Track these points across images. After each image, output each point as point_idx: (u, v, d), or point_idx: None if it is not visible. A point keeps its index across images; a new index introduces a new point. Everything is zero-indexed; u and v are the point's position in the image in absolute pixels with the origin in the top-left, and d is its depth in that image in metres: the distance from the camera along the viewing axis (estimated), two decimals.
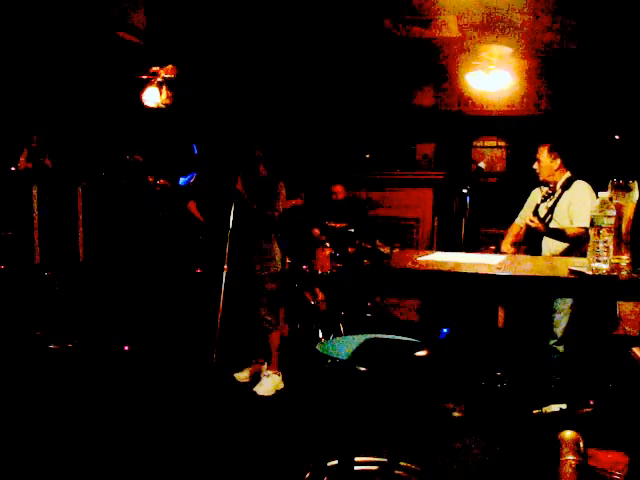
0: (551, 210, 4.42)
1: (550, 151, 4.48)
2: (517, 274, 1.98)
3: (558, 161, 4.47)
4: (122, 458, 3.47)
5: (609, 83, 6.69)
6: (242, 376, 4.91)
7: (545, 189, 4.48)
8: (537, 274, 2.02)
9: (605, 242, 2.00)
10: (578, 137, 6.94)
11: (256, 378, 4.86)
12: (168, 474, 3.34)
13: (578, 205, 4.31)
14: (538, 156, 4.53)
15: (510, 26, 6.02)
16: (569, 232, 4.26)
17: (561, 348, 4.34)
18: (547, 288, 1.99)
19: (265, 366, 4.90)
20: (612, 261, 2.01)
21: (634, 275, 1.93)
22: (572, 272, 1.98)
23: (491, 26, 6.05)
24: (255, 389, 4.68)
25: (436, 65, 7.39)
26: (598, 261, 1.97)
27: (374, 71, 7.36)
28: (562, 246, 4.34)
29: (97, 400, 4.29)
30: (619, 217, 2.06)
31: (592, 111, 6.94)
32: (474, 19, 5.95)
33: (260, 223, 4.74)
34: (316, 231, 6.21)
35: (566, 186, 4.44)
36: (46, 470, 3.31)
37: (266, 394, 4.65)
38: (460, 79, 7.26)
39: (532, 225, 4.23)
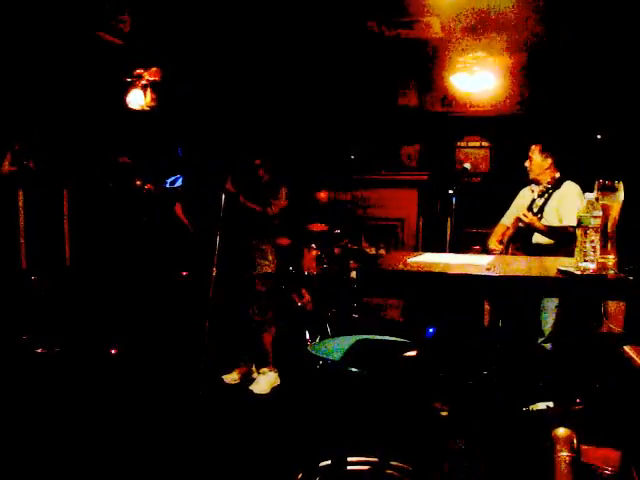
0: (541, 209, 4.50)
1: (542, 150, 4.58)
2: (507, 275, 2.01)
3: (549, 160, 4.56)
4: (111, 461, 3.47)
5: (592, 83, 6.76)
6: (231, 378, 4.91)
7: (541, 186, 4.56)
8: (527, 274, 2.05)
9: (592, 242, 2.03)
10: (561, 136, 7.02)
11: (245, 379, 4.87)
12: (159, 476, 3.34)
13: (567, 205, 4.39)
14: (530, 154, 4.64)
15: (494, 27, 6.07)
16: (560, 230, 4.34)
17: (548, 346, 4.41)
18: (536, 288, 2.03)
19: (253, 367, 4.91)
20: (599, 260, 2.05)
21: (621, 274, 1.97)
22: (560, 272, 2.02)
23: (475, 27, 6.10)
24: (251, 387, 4.70)
25: (420, 66, 7.42)
26: (585, 261, 2.01)
27: (359, 72, 7.38)
28: (551, 243, 4.42)
29: (85, 404, 4.27)
30: (605, 217, 2.10)
31: (575, 111, 7.01)
32: (458, 20, 5.99)
33: (254, 221, 4.74)
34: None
35: (556, 186, 4.52)
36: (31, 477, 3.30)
37: (262, 392, 4.67)
38: (444, 80, 7.31)
39: (525, 220, 4.31)
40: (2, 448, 3.56)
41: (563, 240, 4.31)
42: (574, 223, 4.40)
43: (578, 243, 2.04)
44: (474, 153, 8.09)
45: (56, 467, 3.37)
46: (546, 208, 4.49)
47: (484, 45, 6.51)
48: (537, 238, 4.47)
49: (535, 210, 4.52)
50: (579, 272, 1.97)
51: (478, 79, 6.86)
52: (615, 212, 2.12)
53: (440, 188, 6.81)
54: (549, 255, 3.82)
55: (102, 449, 3.62)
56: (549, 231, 4.39)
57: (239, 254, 4.79)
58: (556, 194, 4.50)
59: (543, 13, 5.78)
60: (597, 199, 2.10)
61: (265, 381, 4.75)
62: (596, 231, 2.05)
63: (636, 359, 1.93)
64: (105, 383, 4.71)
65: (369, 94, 7.81)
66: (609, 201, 2.12)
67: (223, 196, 4.66)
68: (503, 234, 4.73)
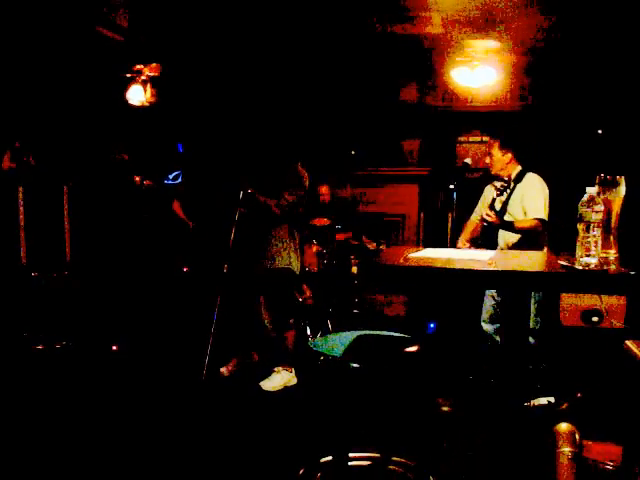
0: (505, 203, 4.52)
1: (501, 146, 4.56)
2: (509, 270, 2.01)
3: (509, 155, 4.56)
4: (113, 455, 3.47)
5: (593, 78, 6.74)
6: (227, 370, 4.88)
7: (499, 183, 4.56)
8: (528, 269, 2.05)
9: (594, 237, 2.03)
10: (562, 131, 7.01)
11: (237, 373, 4.87)
12: (160, 473, 3.34)
13: (531, 197, 4.41)
14: (490, 150, 4.62)
15: (494, 22, 6.04)
16: (523, 224, 4.36)
17: (532, 340, 4.44)
18: (538, 283, 2.02)
19: (253, 358, 4.93)
20: (600, 255, 2.04)
21: (622, 269, 1.97)
22: (562, 267, 2.01)
23: (475, 22, 6.07)
24: (261, 383, 4.68)
25: (421, 61, 7.40)
26: (587, 256, 2.01)
27: (359, 68, 7.36)
28: (517, 238, 4.45)
29: (86, 400, 4.27)
30: (607, 212, 2.09)
31: (576, 106, 7.00)
32: (458, 15, 5.97)
33: (268, 216, 4.72)
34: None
35: (518, 179, 4.53)
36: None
37: (270, 389, 4.65)
38: (445, 75, 7.30)
39: (488, 219, 4.33)
40: (2, 445, 3.57)
41: (529, 234, 4.35)
42: (538, 215, 4.48)
43: (580, 238, 2.04)
44: (475, 148, 8.07)
45: (57, 463, 3.37)
46: (510, 202, 4.50)
47: (485, 40, 6.50)
48: (507, 239, 4.48)
49: (499, 206, 4.52)
50: (581, 267, 1.96)
51: (479, 74, 6.85)
52: (617, 207, 2.12)
53: (441, 183, 6.81)
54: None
55: (104, 445, 3.62)
56: (511, 227, 4.39)
57: (249, 250, 4.76)
58: (519, 187, 4.50)
59: (544, 8, 5.76)
60: (598, 194, 2.09)
61: (277, 379, 4.72)
62: (598, 226, 2.04)
63: (638, 353, 1.92)
64: (106, 379, 4.71)
65: (369, 89, 7.79)
66: (611, 196, 2.11)
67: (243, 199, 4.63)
68: (473, 230, 4.75)
